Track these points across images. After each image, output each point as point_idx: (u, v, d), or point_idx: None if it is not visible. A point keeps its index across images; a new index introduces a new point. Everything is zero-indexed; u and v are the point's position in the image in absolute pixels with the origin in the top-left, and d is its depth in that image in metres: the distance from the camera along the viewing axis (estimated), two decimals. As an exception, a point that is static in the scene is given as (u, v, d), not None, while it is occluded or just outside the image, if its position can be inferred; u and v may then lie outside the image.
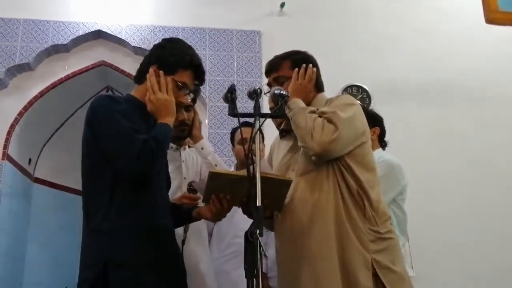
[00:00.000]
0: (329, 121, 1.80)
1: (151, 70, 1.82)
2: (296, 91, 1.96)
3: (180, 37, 4.09)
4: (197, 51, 1.96)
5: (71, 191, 5.00)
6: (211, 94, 4.33)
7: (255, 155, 1.64)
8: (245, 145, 2.34)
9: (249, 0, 4.71)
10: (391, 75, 4.64)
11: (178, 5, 4.65)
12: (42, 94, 4.29)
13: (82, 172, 1.78)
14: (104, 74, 4.63)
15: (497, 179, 4.45)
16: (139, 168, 1.64)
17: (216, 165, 2.51)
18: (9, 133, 4.15)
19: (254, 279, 1.46)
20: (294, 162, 1.96)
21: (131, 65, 4.29)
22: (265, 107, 2.21)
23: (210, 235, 2.86)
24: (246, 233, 1.52)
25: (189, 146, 2.67)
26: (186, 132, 2.52)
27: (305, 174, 1.89)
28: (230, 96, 1.88)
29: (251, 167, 1.62)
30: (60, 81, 4.35)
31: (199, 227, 2.44)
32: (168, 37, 2.11)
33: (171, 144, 2.42)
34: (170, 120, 1.78)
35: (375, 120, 2.89)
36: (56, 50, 4.36)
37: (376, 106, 4.20)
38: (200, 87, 2.05)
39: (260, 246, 1.47)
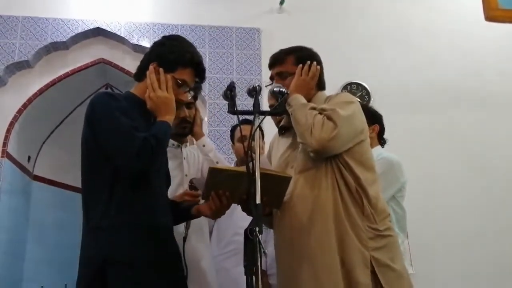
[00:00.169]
0: (329, 118, 1.81)
1: (151, 67, 1.82)
2: (298, 87, 1.96)
3: (179, 34, 4.08)
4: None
5: (71, 188, 5.00)
6: (210, 91, 4.33)
7: (254, 153, 1.64)
8: (244, 142, 2.34)
9: (248, -2, 4.71)
10: (390, 73, 4.64)
11: (177, 3, 4.64)
12: (41, 91, 4.28)
13: (81, 170, 1.78)
14: (103, 72, 4.62)
15: (497, 179, 4.45)
16: (139, 166, 1.64)
17: (217, 162, 2.52)
18: (8, 131, 4.14)
19: (254, 277, 1.47)
20: (293, 159, 1.96)
21: (131, 63, 4.29)
22: (265, 105, 2.21)
23: (210, 232, 2.87)
24: (245, 230, 1.53)
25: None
26: (187, 129, 2.51)
27: (304, 171, 1.89)
28: (229, 93, 1.89)
29: (250, 164, 1.62)
30: (59, 79, 4.34)
31: (201, 224, 2.44)
32: (167, 34, 2.10)
33: (172, 141, 2.42)
34: (169, 118, 1.77)
35: (374, 118, 2.89)
36: (55, 47, 4.36)
37: (375, 104, 4.20)
38: (201, 84, 2.05)
39: (260, 243, 1.47)
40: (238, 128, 2.44)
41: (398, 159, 2.80)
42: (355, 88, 4.56)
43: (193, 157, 2.58)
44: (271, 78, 2.10)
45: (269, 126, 2.36)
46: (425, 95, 4.63)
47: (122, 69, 4.40)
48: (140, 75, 1.89)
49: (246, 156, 1.64)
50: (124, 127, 1.65)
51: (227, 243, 2.85)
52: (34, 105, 4.28)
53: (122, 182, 1.68)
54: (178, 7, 4.61)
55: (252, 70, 4.45)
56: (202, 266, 2.36)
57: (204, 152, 2.55)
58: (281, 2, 4.68)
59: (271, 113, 2.00)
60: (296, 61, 2.03)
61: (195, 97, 2.49)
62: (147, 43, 4.29)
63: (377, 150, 2.80)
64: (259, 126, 1.75)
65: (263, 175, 1.62)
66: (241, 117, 1.93)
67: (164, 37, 1.98)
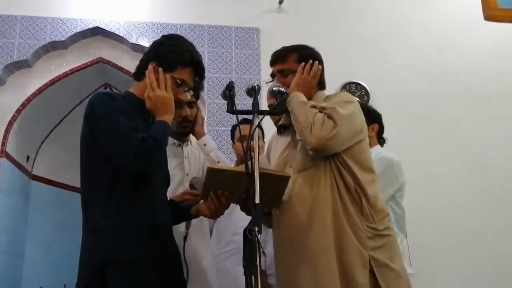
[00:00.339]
0: (329, 117, 1.81)
1: (150, 67, 1.82)
2: (299, 85, 1.96)
3: (178, 34, 4.07)
4: (195, 48, 1.95)
5: (69, 188, 5.00)
6: (209, 91, 4.33)
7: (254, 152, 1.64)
8: (244, 142, 2.33)
9: (247, -3, 4.71)
10: (389, 72, 4.64)
11: (176, 2, 4.64)
12: (40, 91, 4.28)
13: (81, 170, 1.77)
14: (102, 71, 4.62)
15: (497, 179, 4.45)
16: (139, 165, 1.64)
17: (218, 162, 2.51)
18: (7, 130, 4.14)
19: (253, 276, 1.46)
20: (292, 158, 1.96)
21: (129, 62, 4.29)
22: (264, 104, 2.21)
23: (210, 232, 2.86)
24: (244, 230, 1.52)
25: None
26: (188, 128, 2.50)
27: (303, 171, 1.89)
28: (228, 93, 1.88)
29: (249, 163, 1.61)
30: (58, 78, 4.34)
31: (202, 223, 2.43)
32: (166, 34, 2.10)
33: (173, 140, 2.41)
34: (168, 118, 1.77)
35: (374, 117, 2.88)
36: (54, 47, 4.35)
37: (374, 104, 4.19)
38: (202, 83, 2.04)
39: (259, 243, 1.47)
40: (238, 127, 2.43)
41: (397, 159, 2.79)
42: (354, 88, 4.57)
43: (194, 156, 2.57)
44: (272, 75, 2.10)
45: (269, 125, 2.36)
46: (425, 94, 4.63)
47: (121, 69, 4.40)
48: (139, 74, 1.88)
49: (246, 156, 1.64)
50: (122, 127, 1.64)
51: (227, 242, 2.84)
52: (33, 104, 4.27)
53: (122, 182, 1.68)
54: (177, 6, 4.60)
55: (251, 70, 4.44)
56: (202, 265, 2.35)
57: (205, 151, 2.55)
58: (280, 2, 4.68)
59: (270, 112, 2.00)
60: (298, 59, 2.03)
61: (197, 96, 2.48)
62: (146, 43, 4.29)
63: (377, 150, 2.80)
64: (260, 126, 1.74)
65: (262, 175, 1.62)
66: (241, 116, 1.92)
67: (163, 36, 1.97)
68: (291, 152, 1.98)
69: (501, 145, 4.57)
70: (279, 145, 2.08)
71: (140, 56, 1.96)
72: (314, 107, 1.87)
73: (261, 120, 1.77)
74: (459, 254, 4.17)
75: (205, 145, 2.55)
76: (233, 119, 3.92)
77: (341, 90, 4.43)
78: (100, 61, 4.45)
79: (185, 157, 2.49)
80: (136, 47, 4.37)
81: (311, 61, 2.00)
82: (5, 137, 4.11)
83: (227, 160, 3.01)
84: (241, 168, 1.68)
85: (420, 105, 4.58)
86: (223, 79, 4.35)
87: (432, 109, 4.59)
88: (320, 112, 1.84)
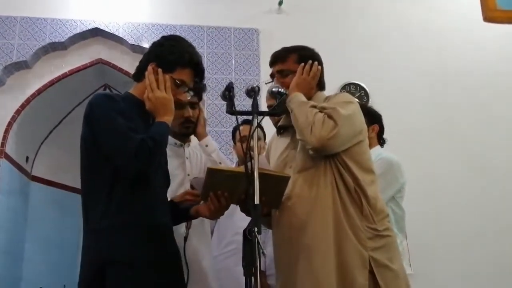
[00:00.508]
0: (329, 117, 1.81)
1: (149, 68, 1.82)
2: (299, 85, 1.97)
3: (177, 35, 4.07)
4: (194, 49, 1.95)
5: (69, 189, 5.00)
6: (209, 92, 4.32)
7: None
8: (244, 143, 2.33)
9: (247, -2, 4.71)
10: (389, 72, 4.63)
11: (175, 3, 4.64)
12: (39, 92, 4.28)
13: (81, 170, 1.78)
14: (101, 72, 4.62)
15: (497, 179, 4.45)
16: (139, 165, 1.64)
17: (220, 163, 2.50)
18: (7, 131, 4.14)
19: (253, 277, 1.46)
20: (291, 159, 1.96)
21: (129, 63, 4.30)
22: (263, 105, 2.21)
23: (211, 232, 2.86)
24: (244, 231, 1.52)
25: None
26: (191, 129, 2.50)
27: (303, 171, 1.89)
28: (228, 94, 1.88)
29: (249, 164, 1.61)
30: (58, 79, 4.34)
31: (203, 224, 2.42)
32: (166, 34, 2.10)
33: (174, 140, 2.41)
34: (168, 119, 1.77)
35: (374, 118, 2.88)
36: (54, 48, 4.35)
37: (374, 104, 4.19)
38: (204, 84, 2.03)
39: (258, 244, 1.46)
40: (239, 128, 2.43)
41: (397, 160, 2.79)
42: (353, 89, 4.56)
43: (196, 157, 2.57)
44: (272, 76, 2.10)
45: (269, 126, 2.36)
46: (425, 95, 4.63)
47: (120, 70, 4.40)
48: (139, 75, 1.88)
49: (245, 157, 1.64)
50: (122, 128, 1.64)
51: (228, 243, 2.84)
52: (32, 105, 4.27)
53: (122, 182, 1.68)
54: (176, 7, 4.60)
55: (251, 71, 4.44)
56: (203, 266, 2.34)
57: (207, 152, 2.54)
58: (280, 3, 4.68)
59: (270, 113, 2.00)
60: (298, 60, 2.03)
61: (199, 97, 2.48)
62: (145, 44, 4.29)
63: (377, 150, 2.80)
64: (261, 126, 1.74)
65: (262, 175, 1.62)
66: (241, 117, 1.92)
67: (163, 37, 1.97)
68: (290, 153, 1.98)
69: (501, 145, 4.57)
70: (278, 146, 2.08)
71: (139, 57, 1.96)
72: (314, 107, 1.87)
73: (260, 121, 1.77)
74: (459, 254, 4.17)
75: (207, 146, 2.55)
76: (232, 120, 3.92)
77: (340, 91, 4.43)
78: (100, 62, 4.45)
79: (187, 158, 2.48)
80: (135, 48, 4.37)
81: (310, 61, 2.00)
82: (4, 138, 4.11)
83: (228, 161, 3.00)
84: (241, 168, 1.68)
85: (420, 105, 4.58)
86: (222, 80, 4.35)
87: (432, 109, 4.59)
88: (321, 112, 1.84)
